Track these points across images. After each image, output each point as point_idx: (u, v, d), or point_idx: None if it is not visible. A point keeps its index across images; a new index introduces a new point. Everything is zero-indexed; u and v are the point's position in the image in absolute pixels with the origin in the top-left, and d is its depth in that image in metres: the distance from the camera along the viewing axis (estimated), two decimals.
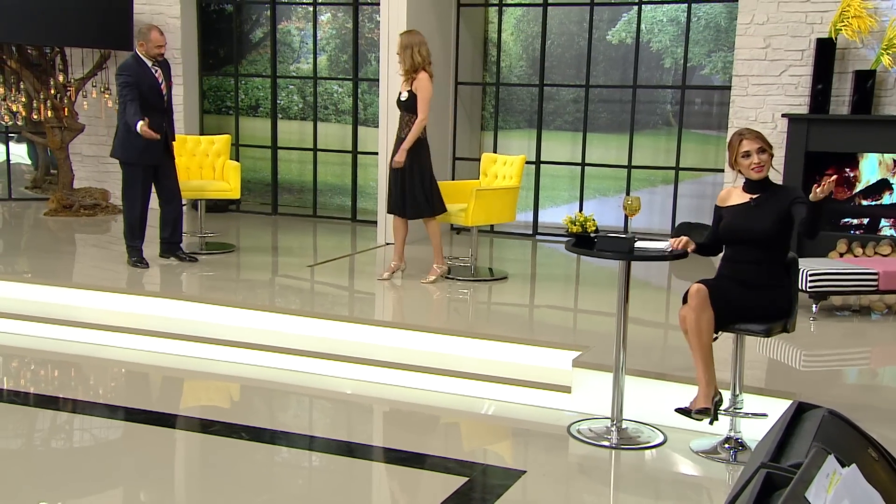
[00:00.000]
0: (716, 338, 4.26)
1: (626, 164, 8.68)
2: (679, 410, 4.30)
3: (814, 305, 6.02)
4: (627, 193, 8.70)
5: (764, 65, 7.55)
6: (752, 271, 4.25)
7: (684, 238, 4.32)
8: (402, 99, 6.49)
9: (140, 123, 6.43)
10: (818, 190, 3.83)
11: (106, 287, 6.54)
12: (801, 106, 7.42)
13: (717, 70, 8.31)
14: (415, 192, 6.50)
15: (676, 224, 8.41)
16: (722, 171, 7.96)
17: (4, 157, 10.40)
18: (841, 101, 7.36)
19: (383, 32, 8.11)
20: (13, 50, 9.05)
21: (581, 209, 8.87)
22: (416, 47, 6.47)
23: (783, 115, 7.38)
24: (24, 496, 4.00)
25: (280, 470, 4.37)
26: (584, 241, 4.57)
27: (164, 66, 6.96)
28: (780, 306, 4.25)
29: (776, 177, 7.31)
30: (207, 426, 4.82)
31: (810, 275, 5.87)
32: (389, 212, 6.81)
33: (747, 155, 4.20)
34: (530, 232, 9.01)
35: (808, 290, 5.89)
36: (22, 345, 6.11)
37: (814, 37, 7.31)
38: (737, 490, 2.95)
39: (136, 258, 6.94)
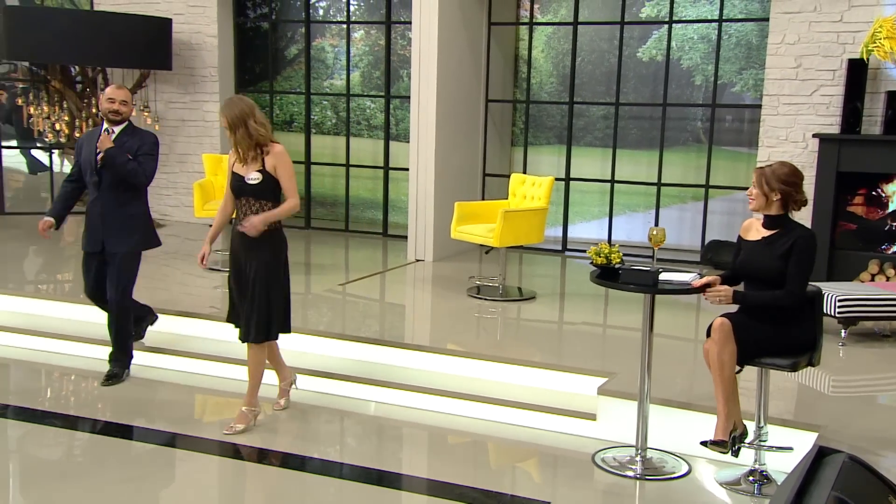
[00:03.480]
0: (739, 370, 4.23)
1: (655, 181, 8.63)
2: (703, 443, 4.27)
3: (843, 331, 5.92)
4: (657, 211, 8.65)
5: (795, 84, 7.47)
6: (759, 309, 4.20)
7: (710, 278, 4.28)
8: (253, 182, 4.73)
9: (42, 221, 5.46)
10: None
11: None
12: (833, 126, 7.33)
13: (748, 87, 8.21)
14: (276, 304, 4.90)
15: (706, 242, 8.35)
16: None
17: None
18: (873, 121, 7.25)
19: (415, 50, 8.15)
20: (58, 70, 9.21)
21: (610, 226, 8.84)
22: (249, 117, 4.69)
23: (814, 135, 7.30)
24: None
25: (307, 497, 4.34)
26: (609, 272, 4.53)
27: (132, 134, 5.33)
28: (804, 341, 4.18)
29: (808, 195, 7.27)
30: (234, 451, 4.79)
31: (839, 300, 5.78)
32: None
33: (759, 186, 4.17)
34: (559, 248, 8.97)
35: (836, 315, 5.81)
36: (61, 362, 6.15)
37: (845, 57, 7.22)
38: None
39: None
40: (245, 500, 4.44)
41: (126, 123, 5.33)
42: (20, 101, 9.97)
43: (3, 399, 5.55)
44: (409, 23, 8.39)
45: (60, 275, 7.99)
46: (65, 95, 9.33)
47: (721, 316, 4.18)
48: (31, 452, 4.88)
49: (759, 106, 7.78)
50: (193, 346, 6.12)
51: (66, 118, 9.45)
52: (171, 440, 4.92)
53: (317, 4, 9.78)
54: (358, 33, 9.64)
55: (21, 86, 10.24)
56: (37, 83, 9.85)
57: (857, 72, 7.08)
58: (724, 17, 8.17)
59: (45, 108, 9.54)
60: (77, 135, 9.37)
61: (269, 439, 4.98)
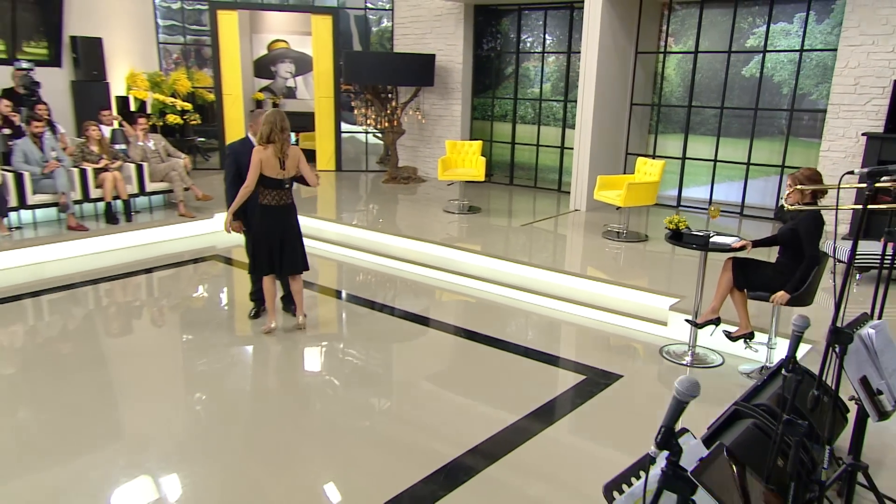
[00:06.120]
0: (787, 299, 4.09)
1: (746, 160, 8.23)
2: (687, 320, 4.54)
3: (857, 275, 5.63)
4: (745, 182, 8.28)
5: (853, 97, 6.87)
6: (777, 259, 4.20)
7: (744, 241, 4.27)
8: None
9: (233, 224, 4.85)
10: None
11: (405, 234, 6.89)
12: (878, 127, 6.71)
13: (822, 96, 7.57)
14: (253, 253, 4.72)
15: (778, 205, 7.95)
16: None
17: (364, 145, 11.38)
18: None
19: (582, 70, 8.16)
20: (370, 87, 9.88)
21: (712, 190, 8.56)
22: (257, 126, 4.54)
23: (863, 134, 6.73)
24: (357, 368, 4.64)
25: (504, 364, 4.50)
26: (678, 235, 4.62)
27: None
28: (783, 286, 4.08)
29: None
30: (455, 330, 5.07)
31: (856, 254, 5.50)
32: (267, 274, 4.69)
33: (789, 186, 4.05)
34: (675, 204, 8.79)
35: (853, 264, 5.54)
36: (360, 265, 6.68)
37: (893, 78, 6.55)
38: (718, 417, 3.14)
39: (254, 308, 5.19)
40: (461, 361, 4.59)
41: None
42: (353, 105, 10.67)
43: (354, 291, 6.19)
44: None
45: (378, 210, 8.50)
46: (373, 103, 9.97)
47: (730, 257, 4.27)
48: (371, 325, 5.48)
49: (825, 111, 7.23)
50: (430, 260, 6.40)
51: (374, 116, 10.11)
52: (422, 320, 5.21)
53: (525, 40, 9.88)
54: (550, 58, 9.68)
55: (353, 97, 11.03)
56: (359, 95, 10.53)
57: None
58: (804, 48, 7.55)
59: (364, 110, 10.27)
60: (379, 126, 10.06)
61: (474, 322, 5.23)
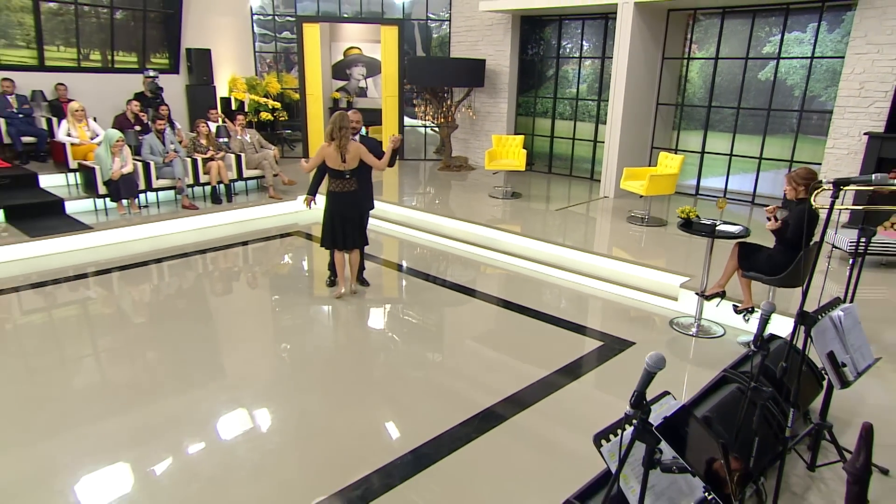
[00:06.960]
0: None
1: (759, 155, 7.95)
2: (698, 294, 4.48)
3: (851, 259, 5.43)
4: (758, 173, 8.02)
5: (857, 100, 6.55)
6: (774, 245, 4.12)
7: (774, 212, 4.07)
8: None
9: (307, 198, 4.97)
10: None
11: (455, 216, 6.90)
12: (880, 128, 6.39)
13: (830, 99, 7.24)
14: (322, 229, 4.84)
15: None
16: (820, 163, 7.10)
17: (422, 137, 11.46)
18: None
19: (614, 73, 8.00)
20: (429, 89, 9.93)
21: (727, 181, 8.33)
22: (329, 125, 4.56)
23: (865, 133, 6.42)
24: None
25: (534, 331, 4.47)
26: (689, 223, 4.54)
27: (366, 142, 4.76)
28: (775, 270, 4.03)
29: (856, 173, 6.50)
30: (494, 299, 5.10)
31: (850, 241, 5.33)
32: (349, 248, 4.85)
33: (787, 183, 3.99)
34: (694, 192, 8.59)
35: (846, 249, 5.38)
36: (417, 242, 6.75)
37: (895, 83, 6.21)
38: (709, 381, 3.21)
39: (330, 276, 5.29)
40: (500, 326, 4.61)
41: (359, 133, 4.80)
42: (415, 102, 10.73)
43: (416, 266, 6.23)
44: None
45: (434, 194, 8.45)
46: (431, 101, 10.01)
47: (737, 243, 4.20)
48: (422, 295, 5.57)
49: (832, 112, 6.91)
50: (476, 239, 6.33)
51: (432, 112, 10.16)
52: (469, 291, 5.23)
53: (564, 46, 9.71)
54: (587, 62, 9.50)
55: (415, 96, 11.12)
56: (420, 94, 10.61)
57: None
58: (815, 55, 7.20)
59: (423, 107, 10.36)
60: (435, 121, 10.11)
61: (512, 293, 5.22)
